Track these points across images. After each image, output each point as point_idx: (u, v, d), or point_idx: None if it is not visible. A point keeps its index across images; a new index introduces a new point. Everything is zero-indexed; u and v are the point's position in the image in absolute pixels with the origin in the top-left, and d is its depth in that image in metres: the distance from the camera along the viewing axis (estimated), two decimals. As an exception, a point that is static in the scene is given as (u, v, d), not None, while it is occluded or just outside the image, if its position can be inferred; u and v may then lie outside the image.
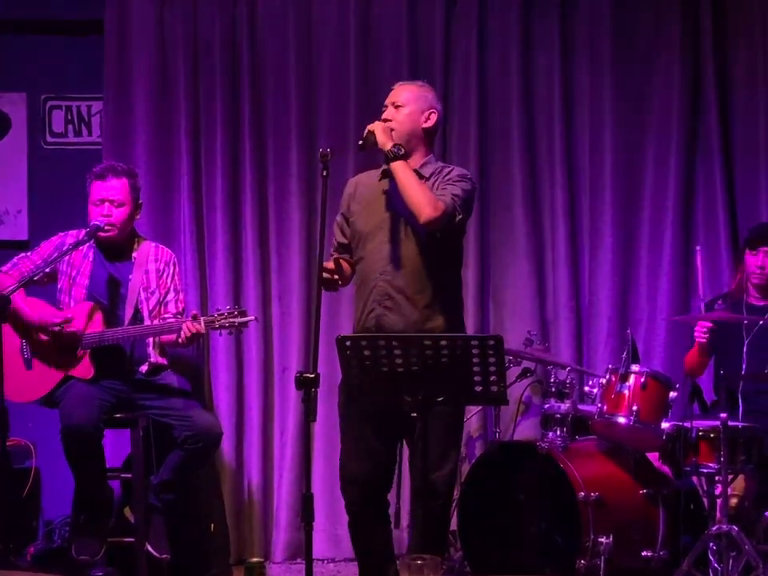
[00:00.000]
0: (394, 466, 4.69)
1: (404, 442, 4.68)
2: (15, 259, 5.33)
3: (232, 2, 6.21)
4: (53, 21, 6.33)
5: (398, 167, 4.51)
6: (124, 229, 5.28)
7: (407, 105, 4.65)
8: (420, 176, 4.60)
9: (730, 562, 4.84)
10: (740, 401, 5.34)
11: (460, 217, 4.53)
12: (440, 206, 4.44)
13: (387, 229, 4.57)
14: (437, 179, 4.62)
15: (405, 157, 4.51)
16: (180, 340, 5.08)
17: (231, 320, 5.06)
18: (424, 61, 6.24)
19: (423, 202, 4.43)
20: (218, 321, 5.06)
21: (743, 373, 5.38)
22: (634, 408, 5.10)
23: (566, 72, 6.27)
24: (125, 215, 5.25)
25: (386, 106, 4.69)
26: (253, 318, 5.17)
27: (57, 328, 5.10)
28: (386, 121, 4.63)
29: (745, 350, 5.43)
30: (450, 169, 4.68)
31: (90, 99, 6.39)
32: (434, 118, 4.68)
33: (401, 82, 4.80)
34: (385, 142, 4.53)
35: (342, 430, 4.70)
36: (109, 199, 5.22)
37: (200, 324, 5.04)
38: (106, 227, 5.20)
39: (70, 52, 6.36)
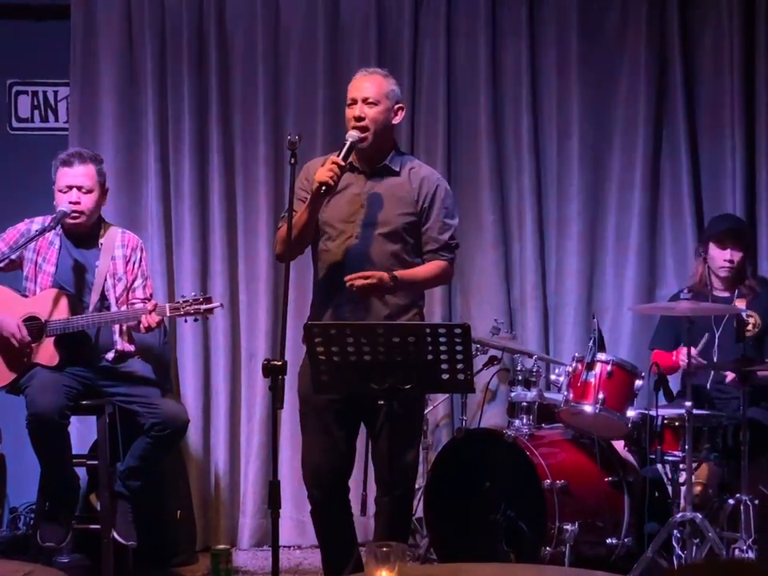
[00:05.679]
0: (354, 454, 4.67)
1: (362, 428, 4.66)
2: (-19, 245, 5.29)
3: (200, -12, 6.21)
4: (19, 5, 6.27)
5: (404, 288, 4.49)
6: (92, 215, 5.24)
7: (380, 102, 4.50)
8: (391, 171, 4.57)
9: (694, 548, 4.89)
10: (709, 389, 5.40)
11: (457, 249, 4.69)
12: (448, 272, 4.65)
13: (356, 224, 4.51)
14: (419, 185, 4.55)
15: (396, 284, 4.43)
16: (142, 327, 5.06)
17: (197, 307, 5.01)
18: (392, 48, 6.24)
19: (440, 282, 4.88)
20: (183, 308, 5.01)
21: (715, 362, 5.42)
22: (600, 396, 5.13)
23: (533, 60, 6.28)
24: (92, 201, 5.20)
25: (355, 101, 4.51)
26: (219, 304, 5.12)
27: (14, 341, 5.08)
28: (359, 119, 4.47)
29: (716, 341, 5.47)
30: (434, 186, 4.58)
31: (57, 84, 6.35)
32: (401, 114, 4.60)
33: (364, 72, 4.61)
34: (386, 291, 4.43)
35: (303, 418, 4.66)
36: (76, 185, 5.17)
37: (161, 312, 5.00)
38: (73, 214, 5.16)
39: (37, 37, 6.31)
